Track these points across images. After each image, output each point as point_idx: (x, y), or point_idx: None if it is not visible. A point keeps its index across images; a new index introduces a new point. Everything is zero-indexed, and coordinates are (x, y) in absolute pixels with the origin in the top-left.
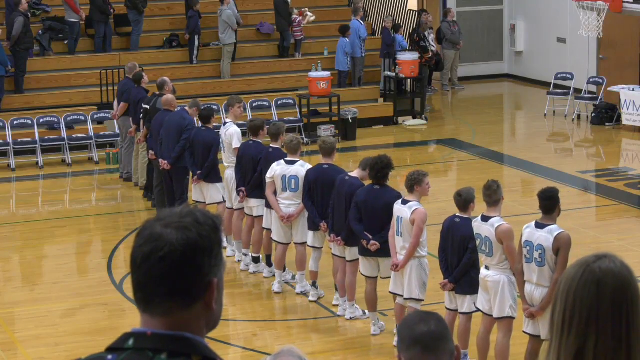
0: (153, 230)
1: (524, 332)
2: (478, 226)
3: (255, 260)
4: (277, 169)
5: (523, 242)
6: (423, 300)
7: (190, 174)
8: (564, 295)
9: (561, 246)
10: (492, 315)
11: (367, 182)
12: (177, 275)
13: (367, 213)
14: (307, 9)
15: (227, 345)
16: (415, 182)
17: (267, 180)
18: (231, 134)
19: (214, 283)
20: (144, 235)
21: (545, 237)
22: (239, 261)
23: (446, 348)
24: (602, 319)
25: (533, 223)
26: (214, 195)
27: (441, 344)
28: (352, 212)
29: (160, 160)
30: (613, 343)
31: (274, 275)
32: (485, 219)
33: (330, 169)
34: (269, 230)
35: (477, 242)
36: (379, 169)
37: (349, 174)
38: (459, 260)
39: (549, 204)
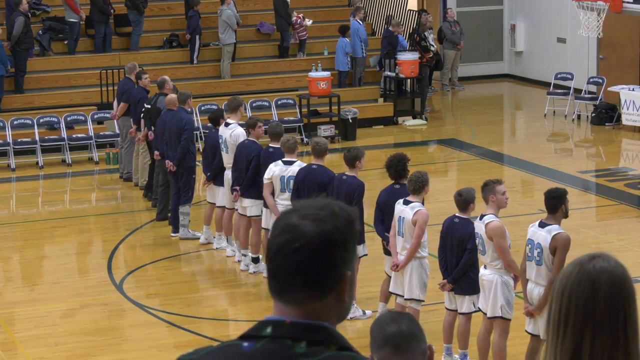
0: (289, 221)
1: (525, 331)
2: (476, 225)
3: (255, 260)
4: (275, 170)
5: (527, 240)
6: (423, 301)
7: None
8: (559, 295)
9: (558, 246)
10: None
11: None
12: (310, 267)
13: (388, 213)
14: (305, 17)
15: None
16: (425, 184)
17: (265, 181)
18: (237, 135)
19: (347, 276)
20: (280, 225)
21: (544, 236)
22: (239, 261)
23: (417, 348)
24: (598, 316)
25: (537, 222)
26: (218, 197)
27: (412, 343)
28: (375, 213)
29: (166, 161)
30: (610, 339)
31: None
32: (481, 217)
33: (318, 170)
34: (268, 230)
35: (478, 241)
36: (395, 165)
37: (346, 173)
38: (458, 260)
39: (551, 203)
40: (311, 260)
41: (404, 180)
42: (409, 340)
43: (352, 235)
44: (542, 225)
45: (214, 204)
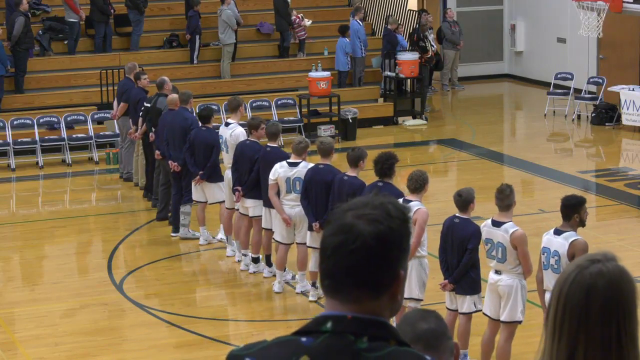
0: (344, 220)
1: None
2: (488, 231)
3: (255, 260)
4: (280, 171)
5: (541, 248)
6: (422, 300)
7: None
8: (556, 298)
9: (576, 252)
10: (499, 320)
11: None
12: (366, 268)
13: None
14: (304, 17)
15: (227, 345)
16: (425, 182)
17: (270, 182)
18: (237, 135)
19: (402, 275)
20: (335, 224)
21: (561, 243)
22: (239, 261)
23: (447, 345)
24: (591, 327)
25: (552, 230)
26: (216, 194)
27: (442, 341)
28: None
29: (170, 162)
30: (601, 352)
31: (274, 275)
32: (497, 224)
33: (325, 169)
34: (268, 230)
35: (488, 247)
36: (383, 162)
37: (347, 173)
38: (459, 260)
39: (564, 210)
40: (367, 262)
41: (388, 179)
42: (440, 337)
43: (406, 234)
44: (557, 232)
45: (205, 202)
